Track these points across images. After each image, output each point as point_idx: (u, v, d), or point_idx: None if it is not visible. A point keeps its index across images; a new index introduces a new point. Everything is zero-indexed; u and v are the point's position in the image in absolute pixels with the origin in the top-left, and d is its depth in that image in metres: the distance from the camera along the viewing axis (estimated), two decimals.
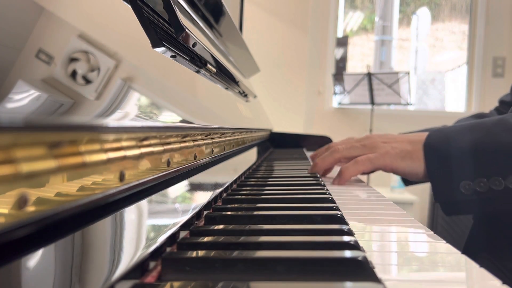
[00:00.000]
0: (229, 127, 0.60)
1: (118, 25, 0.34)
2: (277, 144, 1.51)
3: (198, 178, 0.47)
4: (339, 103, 2.93)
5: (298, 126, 2.78)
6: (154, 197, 0.33)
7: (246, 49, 1.24)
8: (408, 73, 2.64)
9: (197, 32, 0.66)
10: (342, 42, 3.26)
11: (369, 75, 2.67)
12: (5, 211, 0.16)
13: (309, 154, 1.36)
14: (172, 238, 0.33)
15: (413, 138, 0.68)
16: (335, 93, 2.90)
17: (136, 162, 0.29)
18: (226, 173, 0.61)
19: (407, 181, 0.89)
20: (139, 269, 0.26)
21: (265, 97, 2.65)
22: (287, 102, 2.76)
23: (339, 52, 3.23)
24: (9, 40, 0.19)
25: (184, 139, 0.41)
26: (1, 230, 0.16)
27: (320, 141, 1.52)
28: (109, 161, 0.25)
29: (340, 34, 3.25)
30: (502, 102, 0.99)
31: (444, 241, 0.35)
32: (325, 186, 0.60)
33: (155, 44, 0.42)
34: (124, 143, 0.27)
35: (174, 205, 0.38)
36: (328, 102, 2.98)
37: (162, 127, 0.33)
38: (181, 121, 0.39)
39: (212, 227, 0.36)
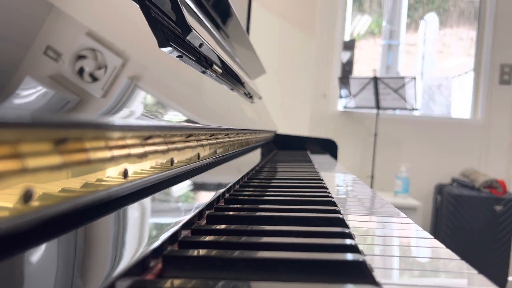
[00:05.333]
0: (233, 128, 0.61)
1: (126, 23, 0.34)
2: (281, 145, 1.51)
3: (201, 177, 0.47)
4: (345, 107, 2.92)
5: (303, 128, 2.78)
6: (157, 195, 0.34)
7: (253, 50, 1.24)
8: (415, 78, 2.63)
9: (204, 33, 0.67)
10: (349, 46, 3.26)
11: (375, 79, 2.67)
12: (10, 205, 0.17)
13: (313, 157, 1.36)
14: (174, 237, 0.33)
15: None
16: (340, 97, 2.89)
17: (140, 160, 0.29)
18: (229, 174, 0.61)
19: None
20: (140, 266, 0.26)
21: (271, 99, 2.65)
22: (293, 105, 2.77)
23: (345, 56, 3.23)
24: (18, 37, 0.19)
25: (188, 138, 0.41)
26: (5, 224, 0.17)
27: (324, 144, 1.52)
28: (113, 158, 0.25)
29: (347, 38, 3.24)
30: None
31: (445, 247, 0.35)
32: (327, 188, 0.61)
33: (162, 44, 0.42)
34: (129, 141, 0.27)
35: (177, 204, 0.38)
36: (334, 105, 2.98)
37: (166, 127, 0.33)
38: (186, 121, 0.39)
39: (213, 227, 0.37)
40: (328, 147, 1.50)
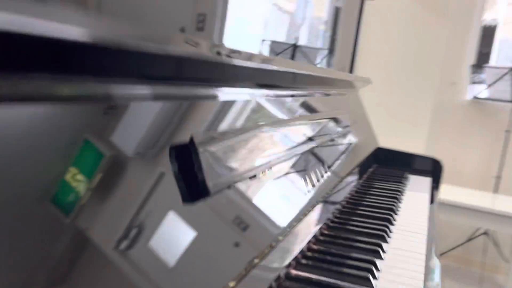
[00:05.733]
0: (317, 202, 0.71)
1: None
2: (383, 160, 1.52)
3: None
4: (475, 96, 2.67)
5: (423, 119, 2.65)
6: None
7: (351, 76, 1.27)
8: None
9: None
10: (490, 29, 2.88)
11: None
12: None
13: (411, 180, 1.35)
14: None
15: None
16: (473, 83, 2.64)
17: None
18: (311, 225, 0.72)
19: None
20: None
21: (391, 86, 2.57)
22: (415, 92, 2.63)
23: (483, 40, 2.87)
24: None
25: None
26: None
27: (428, 163, 1.49)
28: None
29: (488, 20, 2.86)
30: None
31: None
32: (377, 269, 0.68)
33: (185, 200, 0.40)
34: None
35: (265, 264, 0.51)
36: (462, 93, 2.74)
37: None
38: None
39: None
40: (432, 168, 1.46)
